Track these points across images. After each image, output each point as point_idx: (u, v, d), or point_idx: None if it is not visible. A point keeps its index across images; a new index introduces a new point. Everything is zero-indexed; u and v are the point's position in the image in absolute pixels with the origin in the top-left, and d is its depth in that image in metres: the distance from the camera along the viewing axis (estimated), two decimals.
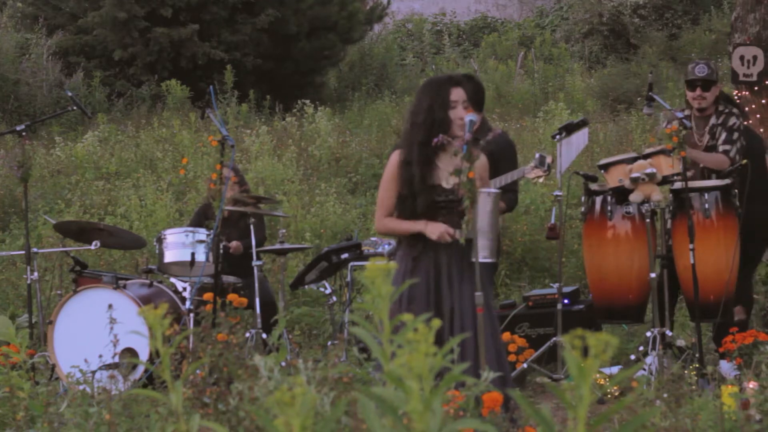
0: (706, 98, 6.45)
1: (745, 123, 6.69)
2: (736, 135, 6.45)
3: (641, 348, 6.15)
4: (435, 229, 4.63)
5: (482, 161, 4.79)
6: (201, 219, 7.41)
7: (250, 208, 7.01)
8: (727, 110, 6.54)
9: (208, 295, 5.80)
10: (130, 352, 6.01)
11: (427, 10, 24.74)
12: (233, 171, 7.53)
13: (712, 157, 6.36)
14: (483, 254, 4.59)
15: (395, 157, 4.79)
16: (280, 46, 17.80)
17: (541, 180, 5.85)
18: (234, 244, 7.26)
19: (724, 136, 6.43)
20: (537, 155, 5.87)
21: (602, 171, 6.26)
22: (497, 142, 5.77)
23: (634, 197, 6.02)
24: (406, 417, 1.75)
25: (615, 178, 6.13)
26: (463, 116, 4.67)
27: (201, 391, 3.19)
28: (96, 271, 7.28)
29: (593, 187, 6.44)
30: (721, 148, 6.40)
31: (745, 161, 6.58)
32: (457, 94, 4.73)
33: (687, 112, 6.51)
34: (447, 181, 4.68)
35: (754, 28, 6.94)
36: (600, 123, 13.70)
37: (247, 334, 6.49)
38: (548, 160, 5.89)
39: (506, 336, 6.57)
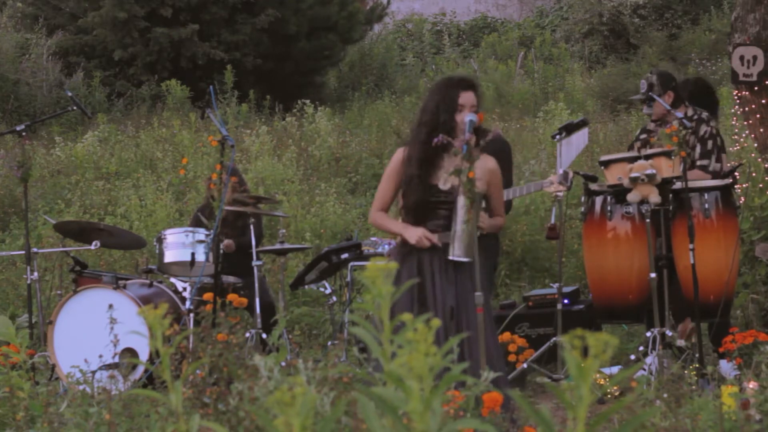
0: (652, 111, 6.64)
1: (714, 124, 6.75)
2: (710, 144, 6.54)
3: (641, 348, 6.15)
4: (413, 234, 4.68)
5: (492, 166, 4.84)
6: (200, 219, 7.41)
7: (250, 208, 7.00)
8: (696, 116, 6.60)
9: (208, 295, 5.80)
10: (130, 352, 6.01)
11: (427, 10, 24.73)
12: (232, 172, 7.53)
13: (692, 175, 6.40)
14: (457, 253, 4.61)
15: (399, 154, 4.84)
16: (280, 46, 17.80)
17: (561, 195, 5.87)
18: (226, 242, 7.24)
19: (698, 149, 6.51)
20: (560, 171, 5.92)
21: (602, 167, 6.26)
22: (493, 143, 5.79)
23: (632, 197, 6.02)
24: (406, 417, 1.75)
25: (614, 175, 6.13)
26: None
27: (201, 391, 3.20)
28: (96, 271, 7.28)
29: (593, 187, 6.44)
30: (698, 163, 6.51)
31: (744, 161, 6.60)
32: (467, 98, 4.75)
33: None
34: (444, 182, 4.70)
35: (754, 28, 6.93)
36: (600, 123, 13.70)
37: (247, 334, 6.49)
38: (571, 176, 5.94)
39: (506, 336, 6.58)
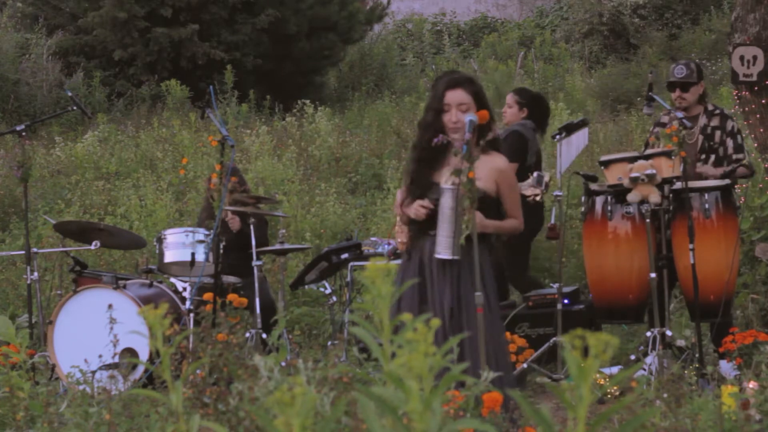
0: (686, 99, 6.63)
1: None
2: (740, 138, 6.61)
3: (641, 348, 6.15)
4: (411, 207, 4.65)
5: (501, 165, 4.75)
6: (204, 219, 7.42)
7: (250, 208, 7.00)
8: (717, 111, 6.64)
9: (208, 295, 5.80)
10: (130, 352, 6.01)
11: (427, 10, 24.74)
12: (233, 172, 7.53)
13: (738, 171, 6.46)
14: (439, 251, 4.57)
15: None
16: (280, 46, 17.80)
17: (538, 198, 5.86)
18: (231, 216, 7.20)
19: (731, 144, 6.53)
20: (535, 174, 5.90)
21: (602, 168, 6.26)
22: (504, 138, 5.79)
23: (632, 197, 6.02)
24: (406, 417, 1.75)
25: (615, 175, 6.13)
26: (456, 120, 4.64)
27: (201, 391, 3.20)
28: (96, 271, 7.28)
29: (593, 187, 6.44)
30: (734, 157, 6.56)
31: (746, 160, 6.60)
32: (452, 97, 4.67)
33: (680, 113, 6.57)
34: (446, 181, 4.65)
35: (754, 28, 6.93)
36: (600, 123, 13.71)
37: (247, 334, 6.49)
38: (546, 179, 5.92)
39: (506, 336, 6.58)
